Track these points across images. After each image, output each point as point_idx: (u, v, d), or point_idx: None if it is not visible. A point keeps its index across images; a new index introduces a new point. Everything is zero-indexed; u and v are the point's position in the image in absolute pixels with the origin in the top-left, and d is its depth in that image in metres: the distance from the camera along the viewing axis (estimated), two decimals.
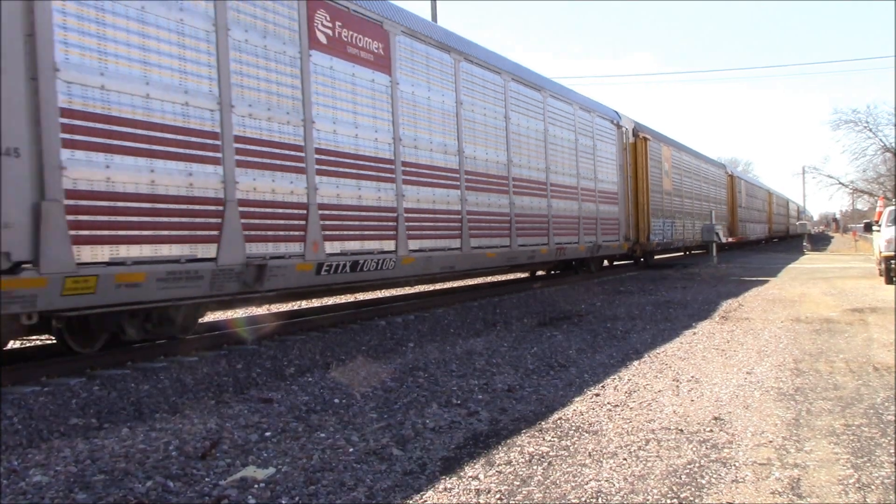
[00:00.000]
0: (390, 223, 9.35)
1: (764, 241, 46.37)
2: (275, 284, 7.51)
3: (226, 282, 6.92)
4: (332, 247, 8.25)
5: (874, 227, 18.78)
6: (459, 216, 10.93)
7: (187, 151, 6.55)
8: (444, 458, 4.38)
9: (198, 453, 4.44)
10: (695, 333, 9.20)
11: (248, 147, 7.23)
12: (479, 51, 12.10)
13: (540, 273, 18.06)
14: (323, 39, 8.33)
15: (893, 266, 15.00)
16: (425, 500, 3.73)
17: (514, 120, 12.83)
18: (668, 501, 3.62)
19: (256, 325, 8.77)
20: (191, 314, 7.42)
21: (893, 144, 47.93)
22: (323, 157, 8.21)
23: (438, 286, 15.09)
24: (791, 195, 78.15)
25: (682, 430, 4.83)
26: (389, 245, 9.28)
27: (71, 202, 5.49)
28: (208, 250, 6.72)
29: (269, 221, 7.44)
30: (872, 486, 3.77)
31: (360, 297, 13.51)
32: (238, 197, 7.03)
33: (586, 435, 4.78)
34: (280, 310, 11.06)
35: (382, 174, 9.25)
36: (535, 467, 4.17)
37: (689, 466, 4.12)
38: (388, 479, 4.00)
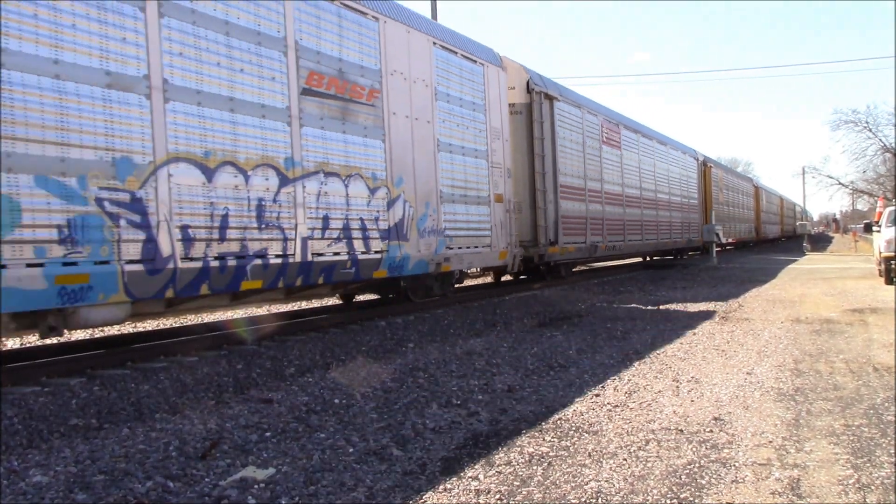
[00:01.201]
0: (620, 226, 18.99)
1: (778, 239, 54.32)
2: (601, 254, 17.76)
3: (589, 253, 16.66)
4: (602, 240, 17.55)
5: (874, 228, 18.78)
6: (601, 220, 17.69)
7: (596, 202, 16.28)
8: (444, 458, 4.38)
9: (198, 453, 4.44)
10: (695, 334, 9.20)
11: (596, 194, 17.41)
12: (636, 123, 21.80)
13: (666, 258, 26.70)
14: (603, 138, 17.96)
15: (893, 266, 15.00)
16: (425, 501, 3.73)
17: (639, 159, 21.05)
18: (668, 502, 3.62)
19: (256, 325, 8.77)
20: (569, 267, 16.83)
21: (893, 144, 47.95)
22: (614, 196, 18.61)
23: None
24: (791, 196, 79.34)
25: (682, 431, 4.83)
26: (621, 238, 19.01)
27: (563, 220, 14.71)
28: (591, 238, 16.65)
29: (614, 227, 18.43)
30: (872, 487, 3.77)
31: (361, 297, 13.50)
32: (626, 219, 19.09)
33: (586, 435, 4.78)
34: (280, 310, 11.06)
35: (612, 203, 18.53)
36: (535, 467, 4.17)
37: (688, 467, 4.12)
38: (388, 480, 4.00)
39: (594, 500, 3.67)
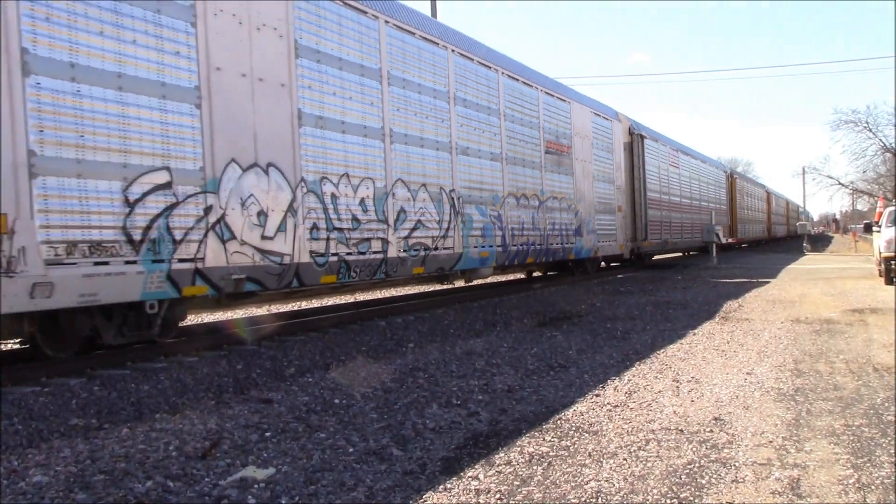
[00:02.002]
0: (679, 226, 23.68)
1: (783, 238, 59.52)
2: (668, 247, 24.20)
3: (662, 247, 23.11)
4: (670, 237, 23.59)
5: (874, 228, 18.78)
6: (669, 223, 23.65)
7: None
8: (444, 458, 4.38)
9: (198, 453, 4.44)
10: (695, 334, 9.20)
11: (666, 204, 23.54)
12: (685, 147, 27.97)
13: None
14: (670, 162, 23.80)
15: (893, 266, 14.99)
16: (425, 501, 3.73)
17: (689, 175, 27.24)
18: (668, 501, 3.62)
19: (256, 325, 8.77)
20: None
21: (893, 145, 47.92)
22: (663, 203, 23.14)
23: (439, 287, 15.08)
24: (791, 196, 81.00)
25: (682, 431, 4.83)
26: (679, 235, 24.46)
27: (650, 223, 21.12)
28: (663, 236, 23.05)
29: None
30: (872, 487, 3.77)
31: (360, 297, 13.51)
32: (682, 221, 25.66)
33: (586, 435, 4.78)
34: (280, 310, 11.06)
35: (674, 210, 24.21)
36: (535, 467, 4.17)
37: (689, 467, 4.12)
38: (388, 480, 4.00)
39: (594, 500, 3.67)
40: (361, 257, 8.99)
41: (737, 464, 4.15)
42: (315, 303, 12.44)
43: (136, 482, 3.94)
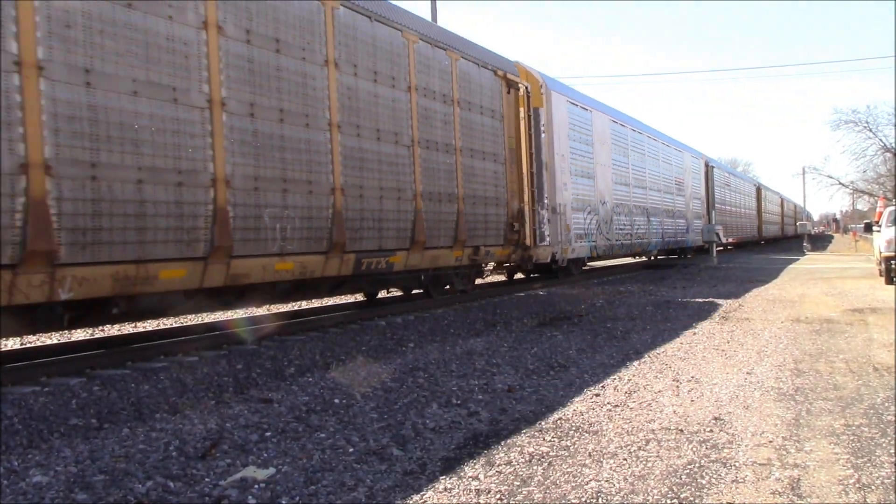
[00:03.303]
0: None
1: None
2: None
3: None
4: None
5: (874, 228, 18.78)
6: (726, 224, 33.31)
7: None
8: (444, 458, 4.38)
9: (198, 453, 4.44)
10: (695, 334, 9.20)
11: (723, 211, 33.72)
12: (732, 170, 46.05)
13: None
14: (723, 181, 35.23)
15: (893, 266, 14.99)
16: (425, 501, 3.72)
17: (731, 195, 37.93)
18: (669, 501, 3.62)
19: (256, 325, 8.77)
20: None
21: (893, 144, 47.93)
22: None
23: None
24: (791, 196, 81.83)
25: (682, 431, 4.83)
26: (736, 232, 38.51)
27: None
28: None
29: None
30: (872, 486, 3.77)
31: (360, 297, 13.50)
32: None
33: (586, 435, 4.78)
34: (280, 310, 11.06)
35: (731, 216, 36.76)
36: (535, 467, 4.17)
37: (689, 466, 4.12)
38: (388, 480, 4.00)
39: (594, 500, 3.67)
40: (618, 243, 19.59)
41: (737, 464, 4.15)
42: (315, 303, 12.44)
43: (136, 482, 3.94)
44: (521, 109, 13.26)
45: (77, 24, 5.78)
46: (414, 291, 12.40)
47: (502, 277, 17.50)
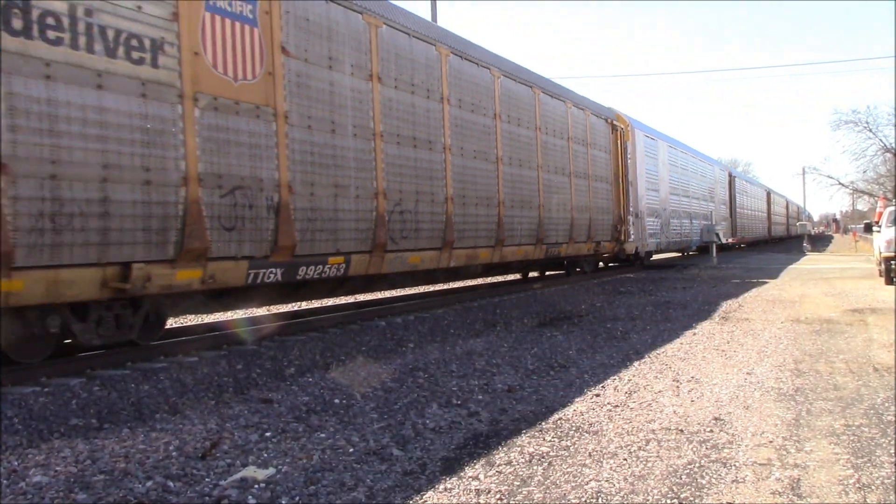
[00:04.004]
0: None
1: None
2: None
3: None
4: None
5: (874, 228, 18.78)
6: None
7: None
8: (444, 458, 4.38)
9: (198, 453, 4.44)
10: (695, 334, 9.20)
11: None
12: (746, 176, 51.38)
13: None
14: (740, 190, 40.31)
15: (893, 267, 14.99)
16: (425, 501, 3.72)
17: (747, 200, 42.49)
18: (669, 502, 3.62)
19: (256, 325, 8.77)
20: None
21: (893, 144, 47.92)
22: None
23: (437, 287, 15.08)
24: (791, 196, 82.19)
25: (682, 431, 4.83)
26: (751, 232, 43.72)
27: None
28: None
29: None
30: (872, 487, 3.77)
31: (360, 297, 13.50)
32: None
33: (586, 435, 4.78)
34: (280, 310, 11.06)
35: (750, 219, 42.49)
36: (535, 467, 4.17)
37: (689, 467, 4.12)
38: (388, 480, 4.00)
39: (594, 500, 3.67)
40: (672, 241, 24.01)
41: (737, 464, 4.15)
42: (315, 303, 12.44)
43: (136, 482, 3.94)
44: (619, 144, 18.69)
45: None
46: (549, 273, 18.11)
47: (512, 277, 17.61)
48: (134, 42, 6.07)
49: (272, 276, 7.42)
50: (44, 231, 5.34)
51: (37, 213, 5.30)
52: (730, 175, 36.91)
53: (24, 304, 5.46)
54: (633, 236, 19.46)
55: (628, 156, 19.40)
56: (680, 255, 30.55)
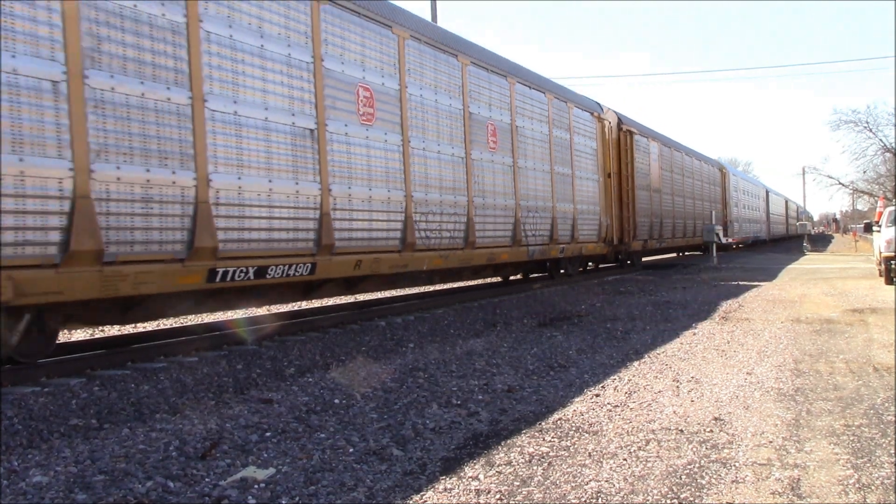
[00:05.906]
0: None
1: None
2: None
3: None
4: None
5: (874, 228, 18.78)
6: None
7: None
8: (444, 458, 4.38)
9: (198, 454, 4.44)
10: (695, 334, 9.20)
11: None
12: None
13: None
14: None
15: (893, 266, 14.99)
16: (425, 501, 3.73)
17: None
18: (668, 502, 3.62)
19: (256, 325, 8.77)
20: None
21: (893, 144, 47.94)
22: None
23: (437, 287, 15.08)
24: (792, 196, 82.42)
25: (682, 431, 4.83)
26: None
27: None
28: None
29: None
30: (872, 487, 3.77)
31: (361, 297, 13.51)
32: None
33: (586, 435, 4.78)
34: (280, 310, 11.06)
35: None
36: (535, 468, 4.17)
37: (689, 467, 4.12)
38: (388, 480, 4.00)
39: (594, 500, 3.67)
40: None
41: (737, 464, 4.15)
42: (315, 303, 12.44)
43: (136, 482, 3.94)
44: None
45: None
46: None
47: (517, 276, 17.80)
48: None
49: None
50: None
51: None
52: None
53: None
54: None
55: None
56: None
